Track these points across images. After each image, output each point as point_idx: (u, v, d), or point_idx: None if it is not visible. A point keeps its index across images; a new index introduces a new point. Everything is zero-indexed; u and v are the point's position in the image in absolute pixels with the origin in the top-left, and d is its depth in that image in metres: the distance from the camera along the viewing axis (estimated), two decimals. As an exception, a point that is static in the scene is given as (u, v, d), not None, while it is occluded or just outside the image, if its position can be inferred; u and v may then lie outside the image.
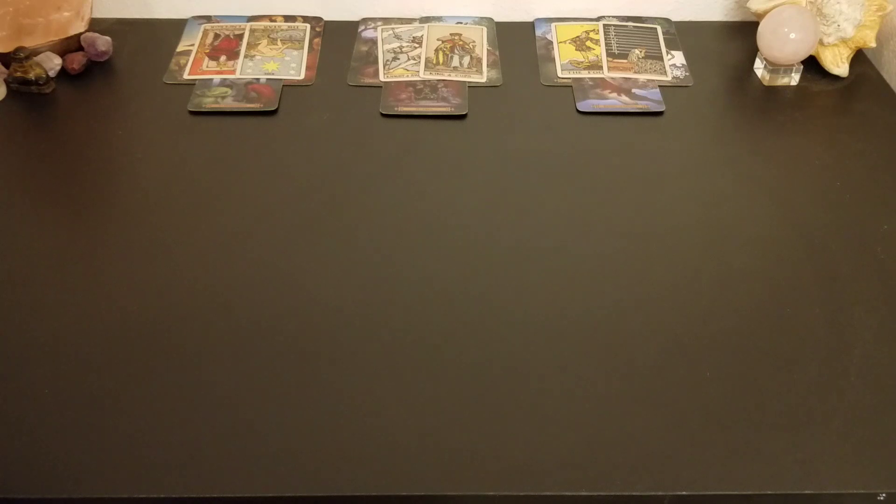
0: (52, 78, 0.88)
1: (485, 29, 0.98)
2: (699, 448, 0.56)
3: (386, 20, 0.99)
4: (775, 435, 0.57)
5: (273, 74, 0.90)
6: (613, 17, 1.00)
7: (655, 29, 0.98)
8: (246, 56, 0.93)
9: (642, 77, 0.91)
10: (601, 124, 0.84)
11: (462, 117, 0.85)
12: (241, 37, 0.96)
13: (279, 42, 0.95)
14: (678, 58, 0.94)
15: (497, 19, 0.99)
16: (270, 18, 0.99)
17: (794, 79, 0.90)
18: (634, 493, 0.54)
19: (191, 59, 0.92)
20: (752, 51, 0.94)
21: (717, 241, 0.72)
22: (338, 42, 0.96)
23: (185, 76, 0.90)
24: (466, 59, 0.93)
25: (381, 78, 0.90)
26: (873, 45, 0.89)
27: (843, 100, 0.88)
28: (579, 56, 0.94)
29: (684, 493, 0.54)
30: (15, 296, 0.66)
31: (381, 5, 1.00)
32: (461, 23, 0.99)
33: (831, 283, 0.68)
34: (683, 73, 0.92)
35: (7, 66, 0.87)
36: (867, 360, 0.62)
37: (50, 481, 0.54)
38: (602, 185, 0.77)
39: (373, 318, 0.65)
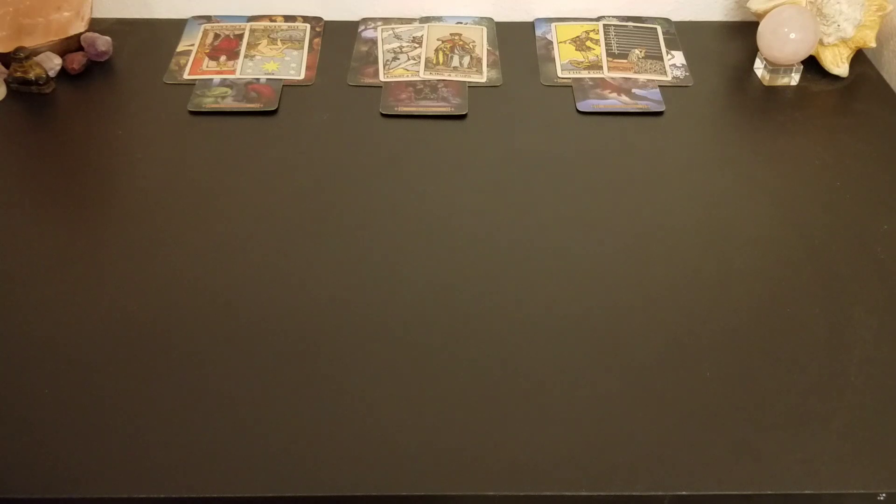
0: (52, 78, 0.88)
1: (485, 29, 0.98)
2: (699, 448, 0.56)
3: (386, 20, 0.99)
4: (775, 435, 0.57)
5: (273, 74, 0.90)
6: (613, 17, 1.00)
7: (655, 29, 0.98)
8: (246, 56, 0.93)
9: (642, 77, 0.91)
10: (601, 124, 0.84)
11: (462, 117, 0.85)
12: (241, 37, 0.96)
13: (279, 42, 0.95)
14: (678, 58, 0.94)
15: (497, 19, 0.99)
16: (270, 18, 0.99)
17: (794, 79, 0.90)
18: (634, 493, 0.54)
19: (191, 59, 0.92)
20: (752, 51, 0.94)
21: (717, 241, 0.72)
22: (338, 42, 0.96)
23: (185, 76, 0.90)
24: (466, 59, 0.93)
25: (381, 78, 0.90)
26: (873, 45, 0.89)
27: (843, 100, 0.88)
28: (579, 56, 0.94)
29: (684, 493, 0.54)
30: (15, 296, 0.66)
31: (381, 5, 1.00)
32: (461, 23, 0.99)
33: (831, 283, 0.68)
34: (683, 73, 0.92)
35: (7, 66, 0.87)
36: (867, 360, 0.62)
37: (50, 481, 0.54)
38: (602, 185, 0.77)
39: (373, 317, 0.65)
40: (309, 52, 0.94)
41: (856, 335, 0.64)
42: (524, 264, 0.69)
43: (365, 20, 0.99)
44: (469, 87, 0.89)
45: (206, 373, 0.61)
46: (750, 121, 0.85)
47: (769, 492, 0.54)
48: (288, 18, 0.99)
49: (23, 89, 0.87)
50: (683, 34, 0.97)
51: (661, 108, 0.87)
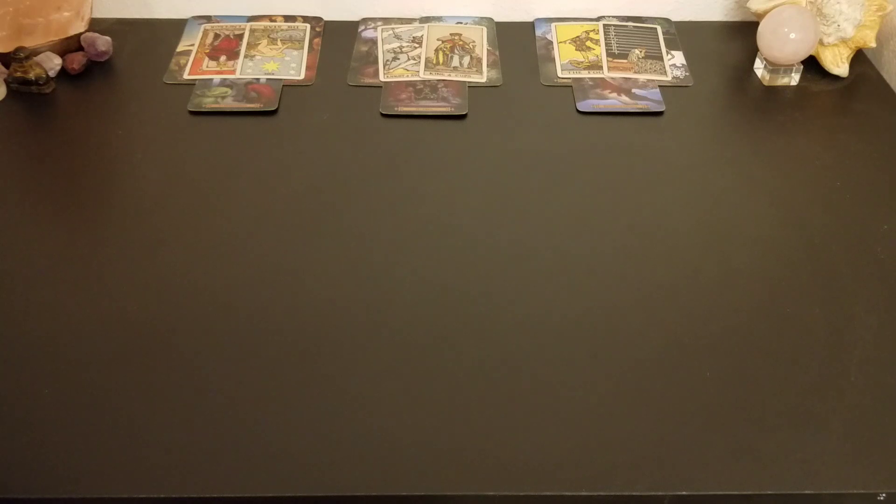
0: (52, 78, 0.88)
1: (485, 29, 0.98)
2: (699, 448, 0.56)
3: (386, 20, 0.99)
4: (775, 435, 0.57)
5: (273, 74, 0.90)
6: (613, 17, 1.00)
7: (655, 29, 0.98)
8: (246, 56, 0.93)
9: (642, 77, 0.91)
10: (601, 124, 0.84)
11: (462, 117, 0.85)
12: (241, 37, 0.96)
13: (279, 42, 0.95)
14: (678, 58, 0.94)
15: (497, 19, 0.99)
16: (270, 18, 0.99)
17: (794, 79, 0.90)
18: (634, 493, 0.54)
19: (191, 59, 0.92)
20: (752, 51, 0.94)
21: (717, 240, 0.72)
22: (338, 42, 0.96)
23: (185, 76, 0.90)
24: (466, 59, 0.93)
25: (381, 78, 0.90)
26: (873, 45, 0.89)
27: (843, 100, 0.88)
28: (579, 56, 0.94)
29: (684, 493, 0.54)
30: (15, 296, 0.66)
31: (381, 5, 1.00)
32: (461, 23, 0.99)
33: (831, 283, 0.68)
34: (683, 73, 0.92)
35: (7, 66, 0.87)
36: (867, 360, 0.62)
37: (50, 481, 0.54)
38: (602, 185, 0.77)
39: (373, 317, 0.65)
40: (309, 52, 0.94)
41: (856, 335, 0.64)
42: (524, 264, 0.69)
43: (365, 20, 0.99)
44: (469, 87, 0.89)
45: (205, 373, 0.61)
46: (750, 121, 0.85)
47: (769, 492, 0.54)
48: (288, 18, 0.99)
49: (23, 89, 0.87)
50: (683, 34, 0.97)
51: (661, 108, 0.87)
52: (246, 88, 0.88)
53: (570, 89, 0.89)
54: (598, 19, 0.99)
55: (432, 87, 0.89)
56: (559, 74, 0.91)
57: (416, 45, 0.95)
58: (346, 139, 0.82)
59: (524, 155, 0.80)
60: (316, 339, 0.63)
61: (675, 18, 1.00)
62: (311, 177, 0.78)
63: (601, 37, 0.96)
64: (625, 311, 0.65)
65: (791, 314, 0.65)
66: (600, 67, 0.92)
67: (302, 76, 0.91)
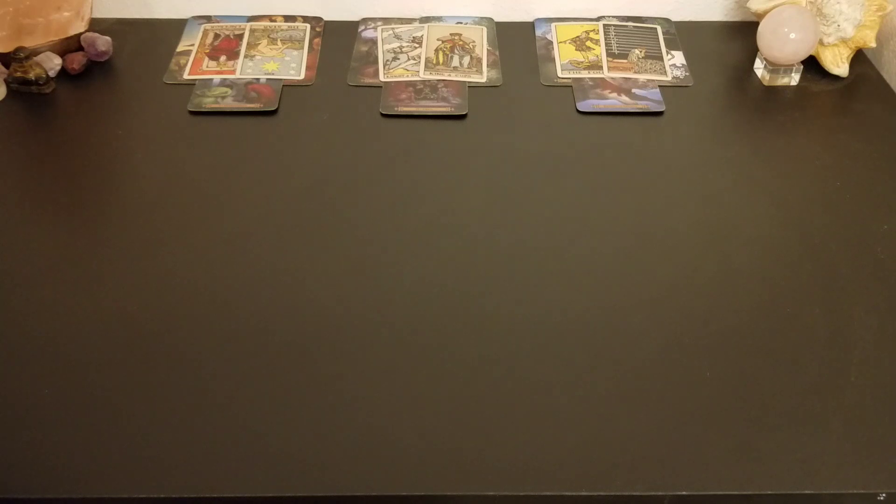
0: (52, 78, 0.88)
1: (485, 29, 0.98)
2: (699, 448, 0.56)
3: (386, 20, 0.99)
4: (775, 435, 0.57)
5: (273, 74, 0.90)
6: (613, 17, 1.00)
7: (655, 29, 0.98)
8: (246, 56, 0.93)
9: (642, 77, 0.91)
10: (601, 124, 0.84)
11: (462, 117, 0.85)
12: (241, 37, 0.96)
13: (279, 42, 0.95)
14: (678, 58, 0.94)
15: (497, 19, 0.99)
16: (270, 18, 0.99)
17: (794, 79, 0.90)
18: (634, 493, 0.54)
19: (191, 59, 0.92)
20: (752, 51, 0.94)
21: (717, 241, 0.72)
22: (338, 42, 0.96)
23: (185, 76, 0.90)
24: (466, 59, 0.93)
25: (381, 78, 0.90)
26: (873, 45, 0.89)
27: (843, 100, 0.88)
28: (579, 56, 0.94)
29: (684, 493, 0.54)
30: (15, 296, 0.66)
31: (381, 5, 1.00)
32: (461, 23, 0.99)
33: (831, 283, 0.68)
34: (683, 73, 0.92)
35: (7, 66, 0.87)
36: (867, 360, 0.62)
37: (50, 481, 0.54)
38: (602, 185, 0.77)
39: (373, 317, 0.65)
40: (309, 52, 0.94)
41: (856, 335, 0.64)
42: (524, 264, 0.69)
43: (365, 20, 0.99)
44: (469, 87, 0.89)
45: (205, 373, 0.61)
46: (750, 121, 0.85)
47: (769, 492, 0.54)
48: (288, 18, 0.99)
49: (23, 89, 0.87)
50: (683, 34, 0.97)
51: (661, 108, 0.87)
52: (246, 88, 0.88)
53: (570, 89, 0.89)
54: (598, 19, 0.99)
55: (432, 87, 0.89)
56: (559, 74, 0.91)
57: (416, 45, 0.95)
58: (346, 139, 0.82)
59: (524, 155, 0.80)
60: (316, 338, 0.63)
61: (675, 18, 1.00)
62: (311, 177, 0.78)
63: (601, 37, 0.96)
64: (625, 311, 0.65)
65: (791, 314, 0.65)
66: (600, 67, 0.92)
67: (302, 76, 0.91)
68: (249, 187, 0.76)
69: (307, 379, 0.60)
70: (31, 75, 0.86)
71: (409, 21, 0.99)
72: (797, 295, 0.67)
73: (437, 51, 0.94)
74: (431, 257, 0.70)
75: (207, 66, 0.91)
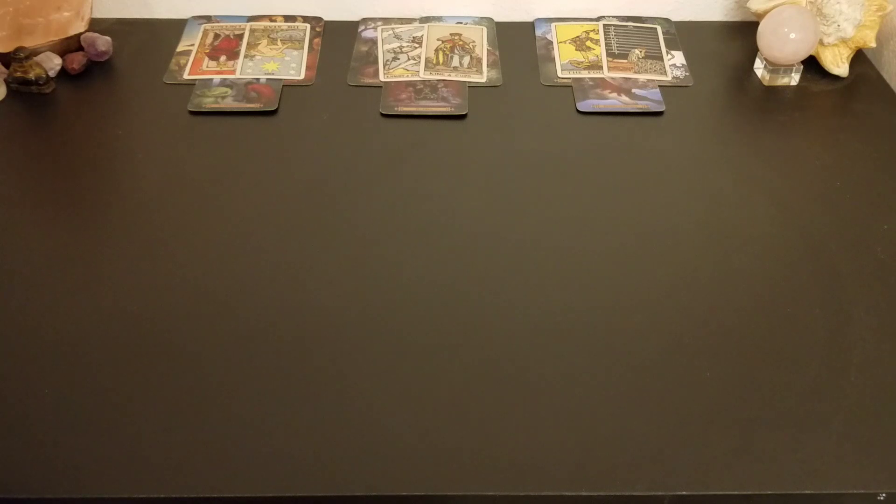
0: (52, 78, 0.88)
1: (485, 29, 0.98)
2: (699, 448, 0.56)
3: (386, 20, 0.99)
4: (775, 435, 0.57)
5: (273, 74, 0.90)
6: (613, 17, 1.00)
7: (655, 29, 0.98)
8: (246, 56, 0.93)
9: (642, 77, 0.91)
10: (601, 124, 0.84)
11: (462, 117, 0.85)
12: (241, 37, 0.96)
13: (279, 42, 0.95)
14: (678, 58, 0.94)
15: (497, 19, 0.99)
16: (270, 18, 0.99)
17: (794, 79, 0.90)
18: (634, 493, 0.54)
19: (191, 59, 0.92)
20: (752, 51, 0.94)
21: (717, 240, 0.72)
22: (338, 42, 0.96)
23: (185, 76, 0.90)
24: (466, 59, 0.93)
25: (381, 78, 0.90)
26: (873, 45, 0.89)
27: (843, 100, 0.88)
28: (579, 56, 0.94)
29: (684, 493, 0.54)
30: (15, 296, 0.66)
31: (381, 5, 1.00)
32: (461, 23, 0.99)
33: (831, 283, 0.68)
34: (683, 73, 0.92)
35: (7, 66, 0.87)
36: (867, 360, 0.62)
37: (50, 481, 0.54)
38: (602, 185, 0.77)
39: (373, 317, 0.65)
40: (309, 52, 0.94)
41: (856, 335, 0.64)
42: (524, 264, 0.69)
43: (365, 20, 0.99)
44: (469, 87, 0.89)
45: (205, 373, 0.61)
46: (750, 121, 0.85)
47: (769, 492, 0.54)
48: (288, 18, 0.99)
49: (23, 89, 0.87)
50: (683, 34, 0.97)
51: (661, 108, 0.87)
52: (246, 88, 0.88)
53: (570, 89, 0.89)
54: (598, 19, 0.99)
55: (432, 87, 0.89)
56: (559, 74, 0.91)
57: (416, 45, 0.95)
58: (346, 139, 0.82)
59: (524, 155, 0.80)
60: (316, 338, 0.63)
61: (675, 18, 1.00)
62: (311, 177, 0.78)
63: (601, 37, 0.96)
64: (625, 311, 0.65)
65: (791, 314, 0.65)
66: (600, 67, 0.92)
67: (302, 76, 0.91)
68: (249, 187, 0.76)
69: (307, 379, 0.60)
70: (31, 75, 0.86)
71: (409, 21, 0.99)
72: (797, 295, 0.67)
73: (437, 51, 0.94)
74: (431, 257, 0.70)
75: (207, 66, 0.91)
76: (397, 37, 0.96)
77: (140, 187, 0.76)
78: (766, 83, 0.90)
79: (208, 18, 0.99)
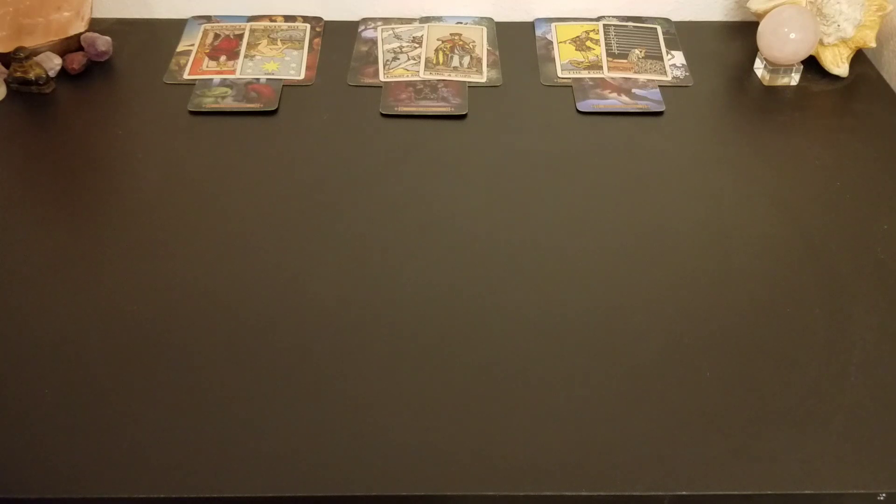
0: (52, 78, 0.88)
1: (485, 29, 0.98)
2: (699, 448, 0.56)
3: (386, 20, 0.99)
4: (775, 435, 0.57)
5: (273, 74, 0.90)
6: (613, 17, 1.00)
7: (655, 29, 0.98)
8: (246, 56, 0.93)
9: (642, 77, 0.91)
10: (601, 124, 0.84)
11: (462, 117, 0.85)
12: (241, 37, 0.96)
13: (279, 42, 0.95)
14: (678, 58, 0.94)
15: (497, 19, 0.99)
16: (270, 18, 0.99)
17: (794, 79, 0.90)
18: (634, 493, 0.54)
19: (191, 59, 0.92)
20: (752, 51, 0.94)
21: (717, 240, 0.72)
22: (338, 42, 0.96)
23: (185, 76, 0.90)
24: (466, 59, 0.93)
25: (381, 78, 0.90)
26: (873, 45, 0.89)
27: (843, 100, 0.88)
28: (579, 56, 0.94)
29: (684, 493, 0.54)
30: (15, 296, 0.66)
31: (381, 5, 1.00)
32: (461, 23, 0.99)
33: (831, 283, 0.68)
34: (683, 73, 0.92)
35: (7, 66, 0.87)
36: (867, 360, 0.62)
37: (50, 481, 0.54)
38: (602, 185, 0.77)
39: (373, 317, 0.65)
40: (309, 52, 0.94)
41: (856, 335, 0.64)
42: (524, 264, 0.69)
43: (365, 20, 0.99)
44: (469, 87, 0.89)
45: (205, 372, 0.61)
46: (750, 121, 0.85)
47: (769, 492, 0.54)
48: (288, 18, 0.99)
49: (23, 89, 0.87)
50: (683, 34, 0.97)
51: (661, 108, 0.87)
52: (246, 88, 0.88)
53: (570, 89, 0.89)
54: (598, 19, 0.99)
55: (432, 87, 0.89)
56: (559, 74, 0.91)
57: (416, 45, 0.95)
58: (346, 139, 0.82)
59: (524, 155, 0.80)
60: (316, 338, 0.63)
61: (675, 18, 1.00)
62: (311, 177, 0.78)
63: (601, 37, 0.96)
64: (625, 311, 0.65)
65: (791, 314, 0.65)
66: (600, 67, 0.92)
67: (302, 76, 0.91)
68: (249, 187, 0.76)
69: (307, 379, 0.60)
70: (31, 75, 0.86)
71: (409, 21, 0.99)
72: (797, 295, 0.67)
73: (437, 51, 0.94)
74: (431, 257, 0.70)
75: (207, 66, 0.91)
76: (397, 37, 0.96)
77: (140, 187, 0.76)
78: (766, 83, 0.90)
79: (208, 18, 0.99)
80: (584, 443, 0.57)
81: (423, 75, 0.90)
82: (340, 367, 0.61)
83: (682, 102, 0.88)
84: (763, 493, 0.54)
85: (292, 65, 0.92)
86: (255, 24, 0.98)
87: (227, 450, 0.56)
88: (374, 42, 0.96)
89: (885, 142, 0.82)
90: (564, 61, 0.93)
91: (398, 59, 0.93)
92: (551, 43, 0.96)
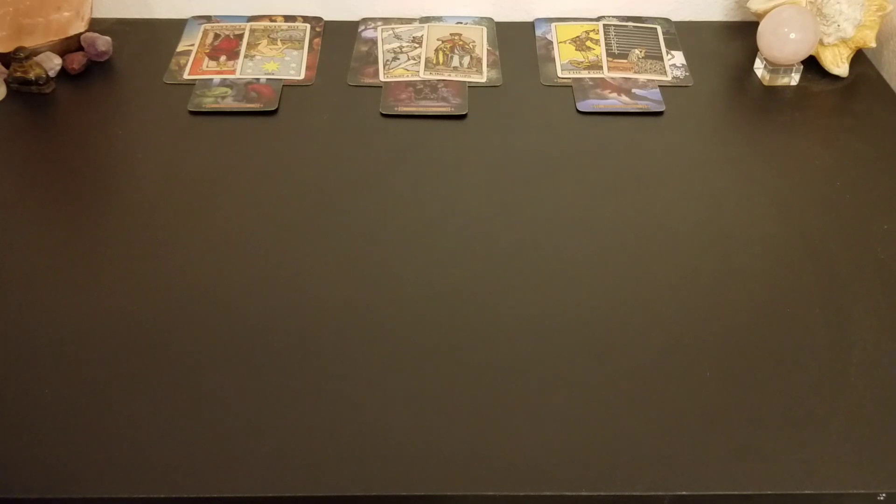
0: (52, 78, 0.88)
1: (485, 29, 0.98)
2: (699, 448, 0.56)
3: (386, 20, 0.99)
4: (775, 435, 0.57)
5: (273, 74, 0.90)
6: (613, 17, 1.00)
7: (655, 29, 0.98)
8: (246, 56, 0.93)
9: (642, 77, 0.91)
10: (601, 124, 0.84)
11: (462, 117, 0.85)
12: (241, 37, 0.96)
13: (279, 42, 0.95)
14: (678, 58, 0.94)
15: (497, 19, 0.99)
16: (270, 18, 0.99)
17: (794, 79, 0.90)
18: (634, 493, 0.54)
19: (191, 59, 0.92)
20: (752, 51, 0.94)
21: (717, 240, 0.72)
22: (338, 42, 0.96)
23: (185, 76, 0.90)
24: (466, 59, 0.93)
25: (381, 78, 0.90)
26: (873, 45, 0.89)
27: (843, 100, 0.88)
28: (579, 56, 0.94)
29: (684, 493, 0.54)
30: (15, 296, 0.66)
31: (381, 5, 1.00)
32: (461, 23, 0.99)
33: (831, 283, 0.68)
34: (683, 73, 0.92)
35: (7, 66, 0.87)
36: (867, 360, 0.62)
37: (50, 481, 0.54)
38: (602, 185, 0.77)
39: (373, 317, 0.65)
40: (309, 52, 0.94)
41: (856, 335, 0.64)
42: (524, 264, 0.69)
43: (365, 20, 0.99)
44: (469, 87, 0.89)
45: (205, 372, 0.61)
46: (750, 121, 0.85)
47: (769, 492, 0.54)
48: (288, 18, 0.99)
49: (23, 89, 0.87)
50: (683, 34, 0.97)
51: (661, 108, 0.87)
52: (246, 88, 0.88)
53: (570, 89, 0.89)
54: (598, 19, 0.99)
55: (432, 87, 0.89)
56: (559, 74, 0.91)
57: (416, 45, 0.95)
58: (346, 139, 0.82)
59: (524, 155, 0.80)
60: (316, 338, 0.63)
61: (675, 18, 1.00)
62: (311, 177, 0.78)
63: (601, 37, 0.96)
64: (625, 311, 0.65)
65: (791, 314, 0.65)
66: (600, 67, 0.92)
67: (302, 76, 0.91)
68: (249, 187, 0.76)
69: (307, 379, 0.60)
70: (31, 75, 0.86)
71: (409, 21, 0.99)
72: (797, 295, 0.67)
73: (437, 51, 0.94)
74: (431, 257, 0.70)
75: (207, 66, 0.91)
76: (397, 37, 0.96)
77: (140, 187, 0.76)
78: (766, 83, 0.90)
79: (208, 18, 0.99)
80: (584, 443, 0.57)
81: (423, 75, 0.90)
82: (340, 367, 0.61)
83: (682, 102, 0.88)
84: (763, 493, 0.54)
85: (292, 65, 0.92)
86: (255, 24, 0.98)
87: (227, 450, 0.56)
88: (374, 42, 0.96)
89: (885, 142, 0.82)
90: (564, 61, 0.93)
91: (398, 59, 0.93)
92: (551, 43, 0.96)
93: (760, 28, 0.89)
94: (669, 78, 0.91)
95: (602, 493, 0.54)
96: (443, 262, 0.69)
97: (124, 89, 0.88)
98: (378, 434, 0.57)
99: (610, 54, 0.94)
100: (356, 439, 0.57)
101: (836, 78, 0.91)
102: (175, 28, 0.97)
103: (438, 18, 0.99)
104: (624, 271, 0.69)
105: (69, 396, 0.59)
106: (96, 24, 0.96)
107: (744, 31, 0.98)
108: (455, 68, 0.92)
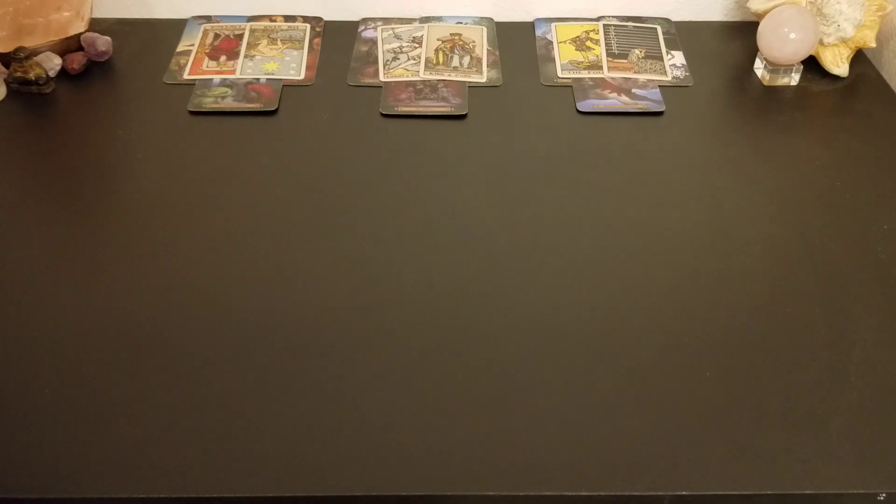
0: (52, 78, 0.88)
1: (485, 29, 0.98)
2: (699, 448, 0.56)
3: (386, 20, 0.99)
4: (775, 435, 0.57)
5: (273, 74, 0.90)
6: (613, 17, 1.00)
7: (655, 29, 0.98)
8: (246, 56, 0.93)
9: (642, 77, 0.91)
10: (601, 124, 0.84)
11: (462, 117, 0.85)
12: (241, 37, 0.96)
13: (279, 42, 0.95)
14: (678, 58, 0.94)
15: (497, 19, 1.00)
16: (270, 18, 0.99)
17: (794, 79, 0.90)
18: (634, 493, 0.54)
19: (191, 59, 0.92)
20: (752, 51, 0.94)
21: (717, 240, 0.72)
22: (338, 42, 0.96)
23: (185, 76, 0.90)
24: (466, 59, 0.93)
25: (381, 78, 0.90)
26: (873, 45, 0.89)
27: (843, 100, 0.88)
28: (579, 56, 0.94)
29: (684, 493, 0.54)
30: (15, 296, 0.66)
31: (381, 5, 1.00)
32: (461, 23, 0.99)
33: (831, 283, 0.68)
34: (683, 73, 0.92)
35: (7, 66, 0.87)
36: (867, 360, 0.62)
37: (50, 481, 0.54)
38: (602, 185, 0.77)
39: (373, 317, 0.65)
40: (309, 52, 0.94)
41: (856, 335, 0.64)
42: (524, 264, 0.69)
43: (365, 20, 0.99)
44: (469, 87, 0.89)
45: (205, 373, 0.61)
46: (750, 121, 0.85)
47: (769, 492, 0.54)
48: (288, 18, 0.99)
49: (23, 89, 0.87)
50: (683, 34, 0.97)
51: (661, 108, 0.87)
52: (246, 88, 0.88)
53: (570, 89, 0.89)
54: (598, 19, 0.99)
55: (432, 87, 0.89)
56: (559, 74, 0.91)
57: (416, 45, 0.95)
58: (346, 139, 0.82)
59: (524, 155, 0.80)
60: (316, 338, 0.63)
61: (675, 18, 1.00)
62: (311, 177, 0.78)
63: (601, 37, 0.96)
64: (625, 311, 0.65)
65: (791, 314, 0.65)
66: (600, 67, 0.92)
67: (302, 76, 0.91)
68: (249, 187, 0.76)
69: (307, 379, 0.60)
70: (31, 75, 0.86)
71: (409, 21, 0.99)
72: (797, 295, 0.67)
73: (437, 51, 0.94)
74: (431, 257, 0.70)
75: (207, 66, 0.91)
76: (397, 37, 0.96)
77: (140, 187, 0.76)
78: (766, 83, 0.90)
79: (208, 18, 0.99)
80: (584, 443, 0.57)
81: (423, 75, 0.90)
82: (340, 367, 0.61)
83: (682, 102, 0.88)
84: (763, 493, 0.54)
85: (292, 65, 0.92)
86: (255, 24, 0.98)
87: (227, 450, 0.56)
88: (374, 42, 0.96)
89: (885, 142, 0.82)
90: (564, 61, 0.93)
91: (398, 59, 0.93)
92: (551, 43, 0.96)
93: (760, 28, 0.89)
94: (669, 78, 0.91)
95: (602, 493, 0.54)
96: (443, 261, 0.69)
97: (124, 89, 0.88)
98: (378, 434, 0.57)
99: (610, 54, 0.94)
100: (356, 439, 0.57)
101: (836, 78, 0.91)
102: (175, 28, 0.97)
103: (438, 18, 0.99)
104: (624, 271, 0.69)
105: (69, 396, 0.59)
106: (96, 24, 0.96)
107: (744, 31, 0.98)
108: (455, 68, 0.92)
